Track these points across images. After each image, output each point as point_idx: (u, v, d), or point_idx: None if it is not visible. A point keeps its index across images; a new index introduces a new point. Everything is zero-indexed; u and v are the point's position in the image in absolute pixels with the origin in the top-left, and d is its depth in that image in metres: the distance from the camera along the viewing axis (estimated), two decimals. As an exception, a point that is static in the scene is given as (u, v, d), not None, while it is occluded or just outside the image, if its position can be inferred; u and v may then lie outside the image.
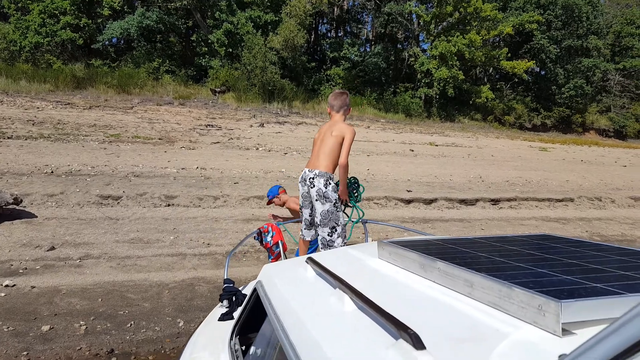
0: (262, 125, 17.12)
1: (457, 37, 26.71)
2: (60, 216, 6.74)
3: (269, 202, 4.91)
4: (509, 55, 31.07)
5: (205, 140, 13.27)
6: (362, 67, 28.05)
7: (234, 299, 2.55)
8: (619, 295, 1.03)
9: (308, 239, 3.89)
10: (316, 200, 3.65)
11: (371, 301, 1.22)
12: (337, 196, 3.69)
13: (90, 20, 22.48)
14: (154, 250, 5.96)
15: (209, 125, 15.64)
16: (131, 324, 4.23)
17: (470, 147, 19.21)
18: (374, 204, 9.41)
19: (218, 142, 13.07)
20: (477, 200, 10.55)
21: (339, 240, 3.67)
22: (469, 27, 27.70)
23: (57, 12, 21.39)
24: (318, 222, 3.68)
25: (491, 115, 30.98)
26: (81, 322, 4.17)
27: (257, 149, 13.11)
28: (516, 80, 33.16)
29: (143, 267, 5.51)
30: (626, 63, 36.94)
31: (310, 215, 3.81)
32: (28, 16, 21.26)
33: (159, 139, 12.74)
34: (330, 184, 3.64)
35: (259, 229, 3.76)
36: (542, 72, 35.99)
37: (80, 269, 5.32)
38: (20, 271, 5.12)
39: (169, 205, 7.65)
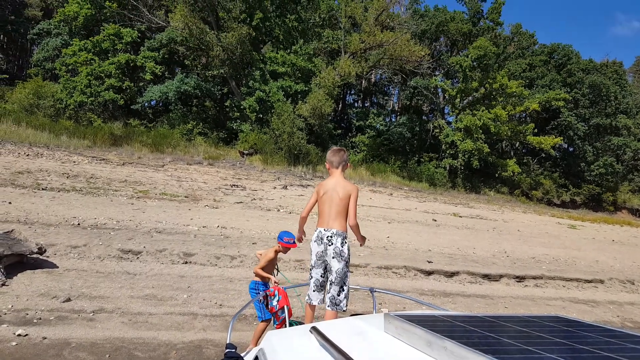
0: (285, 187, 17.39)
1: (483, 111, 27.20)
2: (80, 268, 6.85)
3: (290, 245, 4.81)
4: (536, 130, 31.28)
5: (229, 200, 13.51)
6: (387, 136, 28.64)
7: (235, 365, 2.50)
8: None
9: (315, 302, 3.85)
10: (333, 258, 3.76)
11: None
12: (349, 256, 3.83)
13: (133, 84, 24.01)
14: (166, 308, 5.94)
15: (234, 185, 15.99)
16: (134, 384, 4.15)
17: (495, 221, 18.87)
18: (392, 272, 9.22)
19: (241, 202, 13.29)
20: (501, 276, 10.20)
21: (345, 300, 3.78)
22: (494, 102, 28.24)
23: (103, 74, 22.99)
24: (332, 280, 3.77)
25: (518, 189, 30.67)
26: (85, 378, 4.12)
27: (279, 210, 13.24)
28: (543, 155, 33.07)
29: (154, 324, 5.48)
30: (658, 143, 36.56)
31: (322, 277, 3.82)
32: (76, 77, 22.89)
33: (185, 196, 13.06)
34: (345, 243, 3.79)
35: (265, 292, 3.74)
36: (570, 149, 35.88)
37: (92, 323, 5.32)
38: (35, 321, 5.16)
39: (186, 262, 7.70)
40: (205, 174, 17.62)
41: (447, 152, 28.72)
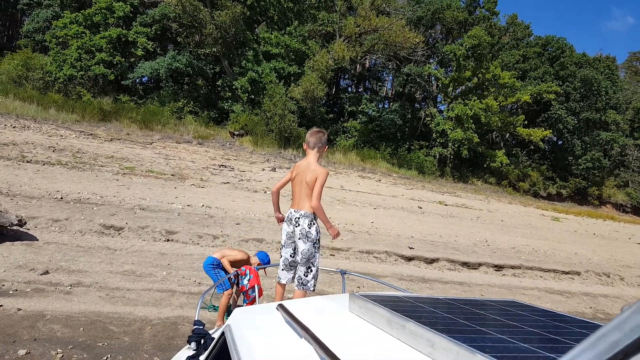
0: (274, 169, 17.40)
1: (474, 101, 27.25)
2: (60, 241, 6.86)
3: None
4: (526, 122, 31.44)
5: (216, 180, 13.52)
6: (378, 122, 28.62)
7: (202, 341, 2.55)
8: None
9: (284, 281, 3.94)
10: (299, 239, 3.84)
11: (334, 354, 1.24)
12: (318, 237, 3.85)
13: (124, 59, 23.66)
14: (144, 284, 6.00)
15: (222, 165, 15.97)
16: (107, 357, 4.21)
17: (480, 210, 19.09)
18: (373, 257, 9.34)
19: (228, 183, 13.30)
20: (480, 264, 10.38)
21: (313, 281, 3.85)
22: (486, 93, 28.28)
23: (93, 48, 22.62)
24: (298, 261, 3.85)
25: (506, 180, 30.94)
26: (58, 350, 4.17)
27: (265, 192, 13.28)
28: (532, 147, 33.31)
29: (131, 300, 5.54)
30: (645, 139, 36.94)
31: (291, 256, 3.90)
32: (66, 50, 22.50)
33: (172, 175, 13.03)
34: (314, 224, 3.84)
35: (236, 270, 3.80)
36: (559, 142, 36.17)
37: (68, 296, 5.37)
38: (10, 292, 5.19)
39: (168, 240, 7.74)
40: (194, 153, 17.56)
41: (438, 140, 28.83)
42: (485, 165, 30.02)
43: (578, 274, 11.46)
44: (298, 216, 3.85)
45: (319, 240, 3.89)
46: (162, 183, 11.82)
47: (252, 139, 22.33)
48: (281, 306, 1.86)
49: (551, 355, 1.15)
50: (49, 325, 4.62)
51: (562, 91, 32.31)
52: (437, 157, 28.83)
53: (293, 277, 3.91)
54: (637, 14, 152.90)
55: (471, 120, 27.16)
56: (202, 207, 9.98)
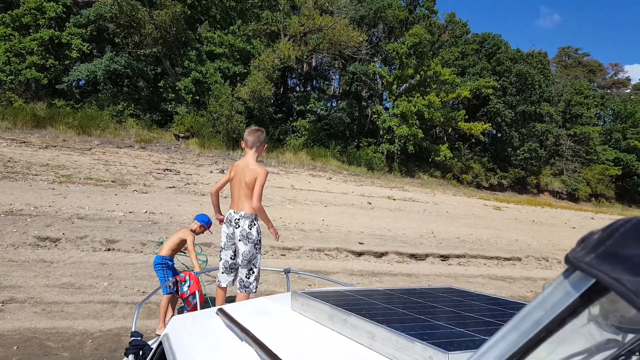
0: (222, 171, 17.12)
1: (417, 97, 28.02)
2: (-10, 257, 6.43)
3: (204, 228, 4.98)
4: (467, 117, 32.71)
5: (161, 185, 13.12)
6: (327, 121, 28.83)
7: (140, 353, 2.46)
8: None
9: (224, 285, 3.87)
10: (239, 240, 3.77)
11: (274, 354, 1.23)
12: (259, 238, 3.80)
13: (58, 62, 22.46)
14: (84, 296, 5.73)
15: (167, 169, 15.53)
16: (44, 375, 4.00)
17: (426, 203, 19.68)
18: (324, 255, 9.40)
19: (173, 187, 12.95)
20: (427, 255, 10.69)
21: (255, 283, 3.80)
22: (428, 89, 29.15)
23: (24, 51, 21.32)
24: (239, 263, 3.78)
25: (450, 173, 32.06)
26: (-11, 372, 3.92)
27: (214, 196, 13.06)
28: (473, 141, 34.70)
29: (70, 313, 5.27)
30: (576, 129, 39.37)
31: (231, 258, 3.84)
32: (-8, 53, 21.08)
33: (112, 181, 12.52)
34: (254, 225, 3.78)
35: (175, 277, 3.70)
36: (499, 135, 37.88)
37: (1, 314, 5.04)
38: None
39: (109, 249, 7.43)
40: (136, 157, 16.96)
41: (385, 137, 29.43)
42: (430, 160, 30.98)
43: (519, 259, 12.04)
44: (238, 217, 3.78)
45: (260, 241, 3.84)
46: (101, 190, 11.34)
47: (198, 141, 21.85)
48: (221, 310, 1.82)
49: (486, 337, 1.20)
50: (-23, 347, 4.32)
51: (499, 86, 33.86)
52: (385, 153, 29.44)
53: (234, 280, 3.85)
54: (562, 12, 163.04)
55: (415, 117, 27.93)
56: (145, 213, 9.66)
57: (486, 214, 19.73)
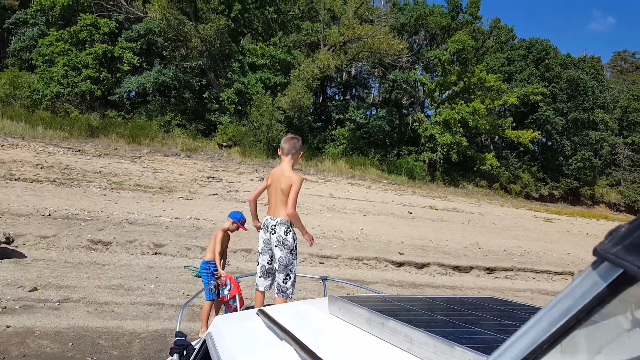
0: (262, 179, 17.42)
1: (461, 105, 27.50)
2: (48, 258, 6.85)
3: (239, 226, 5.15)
4: (514, 124, 31.73)
5: (204, 192, 13.52)
6: (366, 129, 28.79)
7: (184, 353, 2.56)
8: None
9: (262, 289, 3.96)
10: (275, 246, 3.86)
11: (315, 354, 1.27)
12: (295, 245, 3.88)
13: (110, 74, 23.66)
14: (133, 298, 6.00)
15: (210, 177, 15.99)
16: (96, 371, 4.22)
17: (471, 214, 19.22)
18: (363, 264, 9.38)
19: (216, 194, 13.32)
20: (471, 267, 10.44)
21: (292, 288, 3.88)
22: (473, 96, 28.57)
23: (80, 65, 22.62)
24: (276, 268, 3.87)
25: (497, 183, 31.12)
26: (46, 366, 4.18)
27: (255, 203, 13.31)
28: (522, 149, 33.58)
29: (119, 314, 5.53)
30: (635, 137, 37.05)
31: (268, 263, 3.92)
32: (53, 68, 22.47)
33: (160, 188, 13.02)
34: (290, 231, 3.87)
35: (216, 281, 3.81)
36: (549, 143, 36.42)
37: (57, 312, 5.36)
38: (-1, 310, 5.18)
39: (156, 253, 7.74)
40: (182, 165, 17.55)
41: (426, 145, 29.03)
42: (475, 169, 30.24)
43: (571, 274, 11.52)
44: (274, 223, 3.87)
45: (296, 247, 3.92)
46: (150, 197, 11.81)
47: (240, 150, 22.37)
48: (261, 311, 1.88)
49: None
50: (38, 341, 4.62)
51: (548, 92, 32.67)
52: (427, 161, 29.03)
53: (270, 285, 3.95)
54: (617, 14, 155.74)
55: (459, 124, 27.40)
56: (190, 219, 9.99)
57: (535, 226, 19.04)
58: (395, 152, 29.63)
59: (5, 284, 5.85)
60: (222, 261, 4.92)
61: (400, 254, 10.27)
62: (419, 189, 24.64)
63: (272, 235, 3.88)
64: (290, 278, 3.85)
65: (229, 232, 5.17)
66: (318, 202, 15.00)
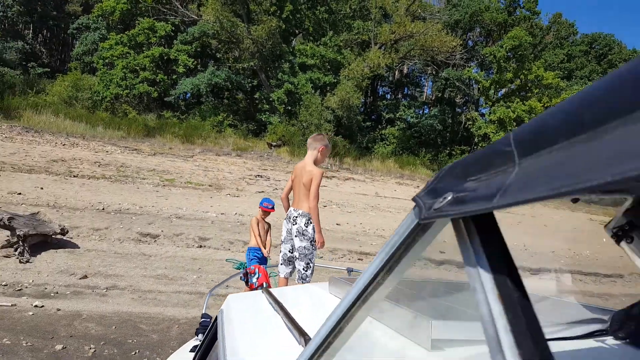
0: (310, 179, 17.58)
1: (517, 103, 26.45)
2: (100, 249, 7.26)
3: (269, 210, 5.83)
4: (574, 123, 30.12)
5: (251, 189, 13.83)
6: (417, 129, 28.31)
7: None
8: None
9: (282, 275, 4.14)
10: (295, 236, 4.08)
11: (301, 328, 1.32)
12: (314, 236, 4.04)
13: (166, 76, 24.73)
14: (175, 287, 6.25)
15: (258, 175, 16.32)
16: (136, 353, 4.44)
17: (522, 215, 18.44)
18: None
19: (263, 192, 13.57)
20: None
21: (311, 275, 4.09)
22: (529, 94, 27.39)
23: (137, 67, 23.80)
24: (297, 256, 4.09)
25: (553, 184, 29.73)
26: (91, 346, 4.44)
27: (300, 201, 13.46)
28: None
29: (161, 301, 5.78)
30: None
31: (290, 252, 4.09)
32: (113, 70, 23.80)
33: (209, 185, 13.46)
34: (310, 223, 4.06)
35: (246, 269, 3.95)
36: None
37: (104, 298, 5.68)
38: (52, 294, 5.55)
39: (200, 246, 8.01)
40: (232, 164, 18.04)
41: (480, 144, 28.12)
42: (530, 169, 28.97)
43: (621, 276, 10.90)
44: (296, 215, 4.07)
45: (314, 238, 4.08)
46: (199, 193, 12.24)
47: (289, 149, 22.66)
48: (266, 290, 1.98)
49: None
50: (84, 324, 4.91)
51: (611, 89, 30.75)
52: (479, 162, 28.13)
53: (291, 272, 4.13)
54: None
55: (514, 123, 26.33)
56: (235, 215, 10.25)
57: (592, 228, 18.00)
58: (447, 151, 28.92)
59: (58, 271, 6.27)
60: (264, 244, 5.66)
61: (441, 252, 10.02)
62: (470, 190, 23.89)
63: (293, 226, 4.08)
64: (310, 267, 4.04)
65: (263, 219, 5.88)
66: (363, 201, 14.94)
